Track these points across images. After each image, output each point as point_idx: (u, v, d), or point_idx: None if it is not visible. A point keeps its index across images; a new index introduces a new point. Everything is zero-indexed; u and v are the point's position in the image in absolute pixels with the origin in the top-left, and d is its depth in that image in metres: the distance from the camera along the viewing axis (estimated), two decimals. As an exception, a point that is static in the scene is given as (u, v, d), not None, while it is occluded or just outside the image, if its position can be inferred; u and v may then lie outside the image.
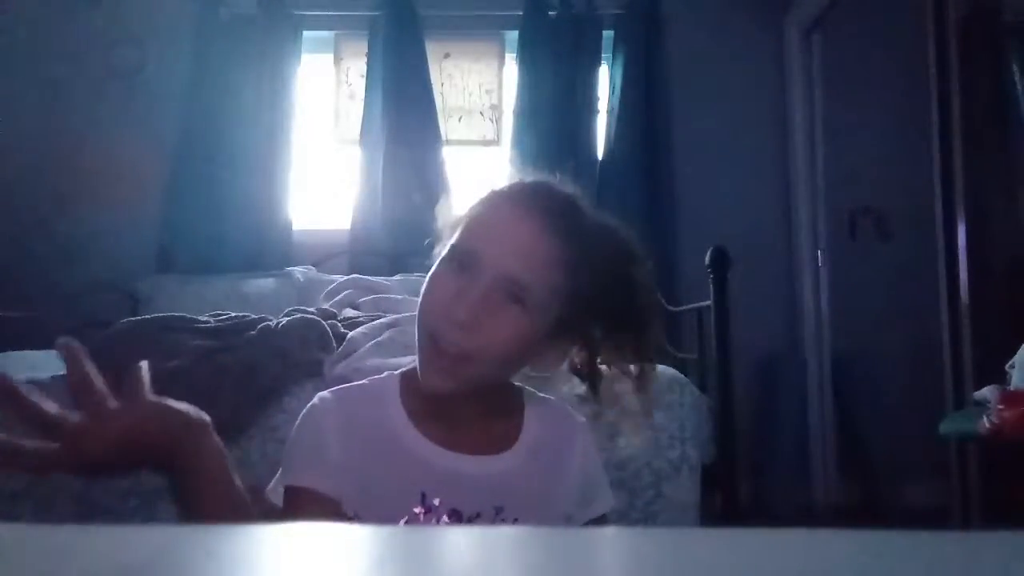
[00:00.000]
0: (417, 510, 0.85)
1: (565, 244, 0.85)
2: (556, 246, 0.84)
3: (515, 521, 0.87)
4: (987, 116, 2.51)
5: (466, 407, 0.90)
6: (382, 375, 0.96)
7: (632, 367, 0.91)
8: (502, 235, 0.85)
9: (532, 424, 0.93)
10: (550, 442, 0.93)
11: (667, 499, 2.12)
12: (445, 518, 0.85)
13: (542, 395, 0.98)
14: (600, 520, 0.96)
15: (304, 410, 0.94)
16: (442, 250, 0.89)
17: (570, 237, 0.85)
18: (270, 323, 2.29)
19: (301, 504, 0.86)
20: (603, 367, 0.92)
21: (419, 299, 0.88)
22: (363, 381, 0.96)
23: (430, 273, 0.89)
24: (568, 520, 0.92)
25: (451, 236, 0.89)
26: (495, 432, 0.91)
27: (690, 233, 3.26)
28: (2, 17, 3.38)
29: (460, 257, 0.85)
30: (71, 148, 3.33)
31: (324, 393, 0.94)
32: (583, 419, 0.98)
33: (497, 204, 0.89)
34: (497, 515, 0.87)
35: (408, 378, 0.93)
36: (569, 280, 0.85)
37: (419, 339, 0.87)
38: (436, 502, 0.85)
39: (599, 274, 0.87)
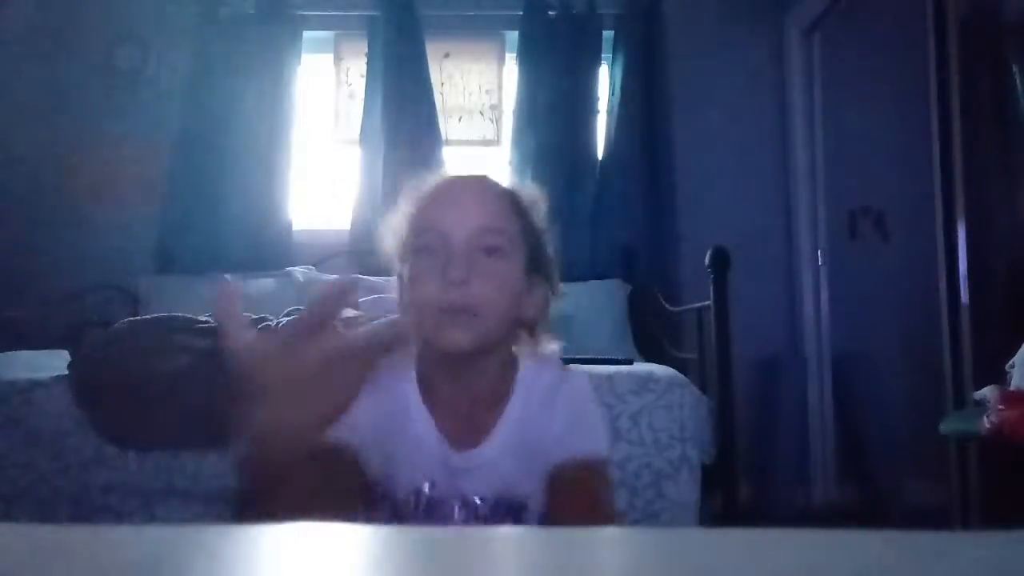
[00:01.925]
0: (424, 487, 0.93)
1: (504, 194, 0.98)
2: (500, 196, 0.98)
3: (519, 505, 0.92)
4: (987, 116, 2.51)
5: (469, 375, 0.96)
6: (399, 360, 0.99)
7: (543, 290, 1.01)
8: (455, 207, 0.95)
9: (517, 405, 0.97)
10: (535, 413, 0.96)
11: (667, 499, 2.12)
12: (454, 503, 0.92)
13: (534, 362, 1.01)
14: (582, 466, 0.93)
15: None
16: (402, 266, 0.98)
17: (504, 189, 0.99)
18: (270, 323, 2.29)
19: (328, 453, 0.88)
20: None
21: (407, 298, 0.96)
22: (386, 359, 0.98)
23: (408, 275, 0.96)
24: (555, 470, 0.93)
25: (404, 244, 0.98)
26: (486, 416, 0.96)
27: (690, 233, 3.26)
28: (3, 17, 3.38)
29: (427, 243, 0.94)
30: (71, 148, 3.33)
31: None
32: (579, 372, 1.01)
33: (434, 192, 0.98)
34: (498, 500, 0.92)
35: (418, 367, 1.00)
36: (522, 220, 0.98)
37: (422, 321, 0.93)
38: (437, 483, 0.92)
39: (534, 212, 1.00)
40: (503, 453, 0.94)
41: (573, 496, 0.92)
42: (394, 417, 0.95)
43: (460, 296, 0.91)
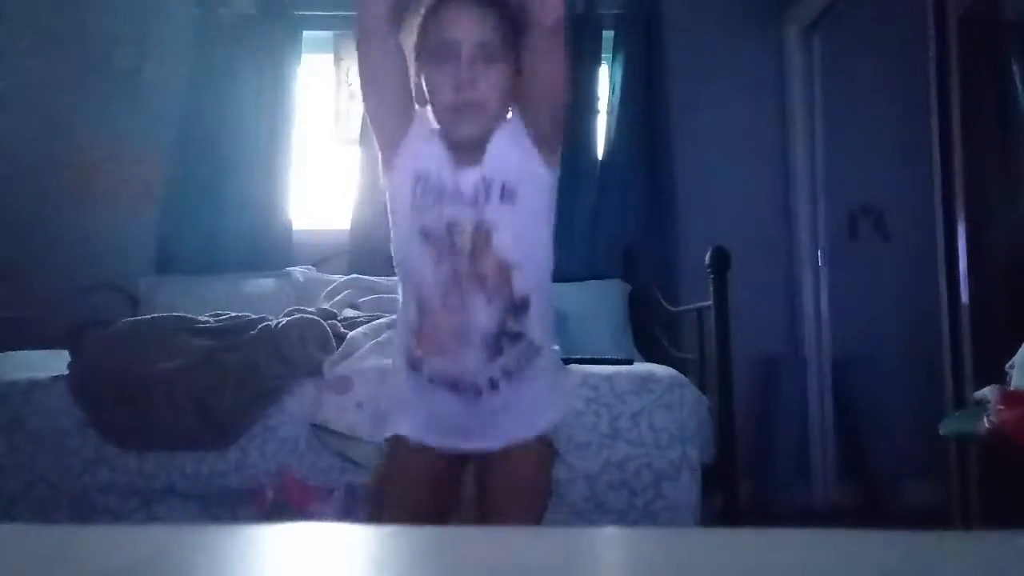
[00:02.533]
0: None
1: (497, 10, 1.24)
2: (493, 13, 1.23)
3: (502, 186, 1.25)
4: (987, 116, 2.51)
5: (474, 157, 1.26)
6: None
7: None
8: (461, 22, 1.22)
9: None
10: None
11: (667, 499, 2.12)
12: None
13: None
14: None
15: None
16: (417, 64, 1.26)
17: (497, 6, 1.24)
18: (270, 323, 2.29)
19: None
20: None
21: (425, 94, 1.25)
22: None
23: (425, 78, 1.25)
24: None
25: (417, 47, 1.25)
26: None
27: (690, 233, 3.26)
28: (2, 17, 3.38)
29: (440, 51, 1.22)
30: (71, 148, 3.33)
31: None
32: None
33: (444, 7, 1.24)
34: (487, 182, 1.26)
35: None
36: (512, 28, 1.23)
37: (440, 117, 1.25)
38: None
39: (520, 22, 1.24)
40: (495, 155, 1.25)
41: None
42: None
43: (469, 95, 1.21)
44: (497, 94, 1.23)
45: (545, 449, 1.33)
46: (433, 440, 1.29)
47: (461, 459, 1.34)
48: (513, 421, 1.28)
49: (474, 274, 1.23)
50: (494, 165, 1.24)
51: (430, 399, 1.27)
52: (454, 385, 1.25)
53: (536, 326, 1.28)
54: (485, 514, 1.36)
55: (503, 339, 1.25)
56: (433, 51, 1.23)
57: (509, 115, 1.28)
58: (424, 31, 1.24)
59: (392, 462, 1.37)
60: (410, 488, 1.35)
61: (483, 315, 1.23)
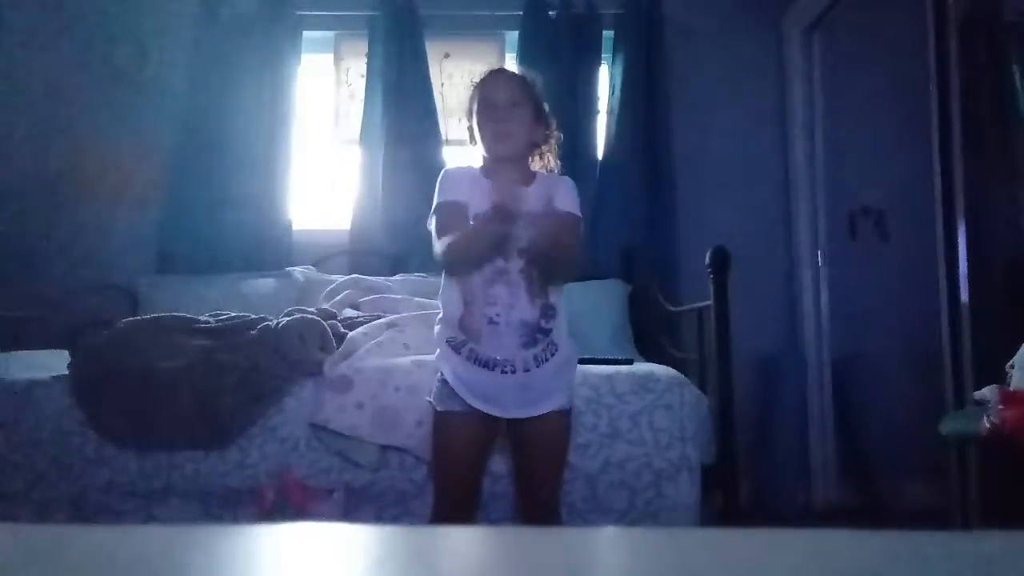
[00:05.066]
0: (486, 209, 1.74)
1: (522, 79, 1.90)
2: (519, 80, 1.89)
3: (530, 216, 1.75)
4: (987, 116, 2.51)
5: (510, 172, 1.81)
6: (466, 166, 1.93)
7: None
8: (495, 87, 1.84)
9: (540, 177, 1.88)
10: (547, 183, 1.85)
11: (667, 499, 2.12)
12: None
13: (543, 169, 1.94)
14: (570, 214, 1.84)
15: (440, 175, 1.90)
16: (471, 118, 1.85)
17: (519, 75, 1.96)
18: (270, 323, 2.29)
19: (449, 209, 1.81)
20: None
21: (479, 133, 1.82)
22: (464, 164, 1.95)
23: (476, 121, 1.83)
24: (554, 209, 1.78)
25: (470, 106, 1.86)
26: (523, 181, 1.83)
27: (690, 233, 3.26)
28: (2, 18, 3.38)
29: (485, 104, 1.82)
30: (71, 148, 3.33)
31: (449, 166, 2.11)
32: (568, 178, 1.92)
33: (487, 78, 1.89)
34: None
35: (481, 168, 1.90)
36: (530, 89, 1.87)
37: (485, 141, 1.81)
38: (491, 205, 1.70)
39: (535, 86, 1.89)
40: (537, 188, 1.80)
41: (563, 225, 1.78)
42: (467, 181, 1.83)
43: (502, 127, 1.80)
44: (519, 126, 1.82)
45: (565, 416, 1.82)
46: (474, 402, 1.73)
47: (494, 423, 1.78)
48: (532, 398, 1.74)
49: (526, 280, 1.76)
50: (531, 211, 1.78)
51: (472, 374, 1.73)
52: (489, 364, 1.73)
53: (559, 327, 1.79)
54: (518, 465, 1.87)
55: (538, 333, 1.75)
56: (482, 104, 1.83)
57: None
58: (477, 92, 1.85)
59: (441, 428, 1.79)
60: (455, 446, 1.79)
61: (528, 311, 1.74)
